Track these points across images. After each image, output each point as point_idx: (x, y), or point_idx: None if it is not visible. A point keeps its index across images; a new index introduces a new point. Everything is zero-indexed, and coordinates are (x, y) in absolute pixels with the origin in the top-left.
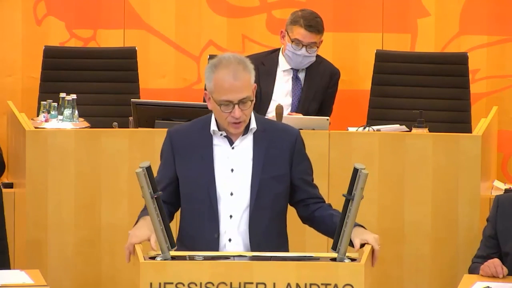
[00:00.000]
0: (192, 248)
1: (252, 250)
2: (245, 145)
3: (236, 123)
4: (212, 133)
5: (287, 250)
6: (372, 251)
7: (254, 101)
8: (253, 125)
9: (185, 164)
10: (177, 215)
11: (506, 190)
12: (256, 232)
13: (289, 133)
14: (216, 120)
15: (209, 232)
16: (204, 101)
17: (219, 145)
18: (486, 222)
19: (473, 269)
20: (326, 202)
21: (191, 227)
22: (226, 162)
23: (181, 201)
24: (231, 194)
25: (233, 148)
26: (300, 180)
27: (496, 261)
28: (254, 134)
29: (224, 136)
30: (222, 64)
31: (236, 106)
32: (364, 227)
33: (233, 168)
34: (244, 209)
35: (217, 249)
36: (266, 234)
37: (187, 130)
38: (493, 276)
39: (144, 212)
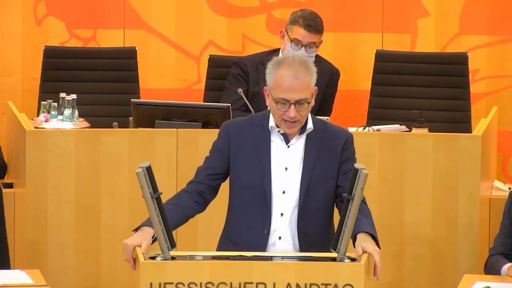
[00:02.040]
0: (241, 244)
1: (301, 249)
2: (300, 144)
3: (290, 122)
4: (270, 129)
5: None
6: (374, 263)
7: (312, 104)
8: (310, 125)
9: (241, 158)
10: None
11: None
12: (306, 231)
13: (341, 135)
14: None
15: (259, 228)
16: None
17: (276, 142)
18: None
19: (495, 262)
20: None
21: (241, 222)
22: (281, 160)
23: (231, 195)
24: (283, 192)
25: (288, 147)
26: (342, 178)
27: None
28: (309, 134)
29: (281, 134)
30: (286, 63)
31: (292, 106)
32: (373, 235)
33: (287, 167)
34: (293, 208)
35: (265, 246)
36: (315, 234)
37: (244, 124)
38: None
39: (148, 220)
